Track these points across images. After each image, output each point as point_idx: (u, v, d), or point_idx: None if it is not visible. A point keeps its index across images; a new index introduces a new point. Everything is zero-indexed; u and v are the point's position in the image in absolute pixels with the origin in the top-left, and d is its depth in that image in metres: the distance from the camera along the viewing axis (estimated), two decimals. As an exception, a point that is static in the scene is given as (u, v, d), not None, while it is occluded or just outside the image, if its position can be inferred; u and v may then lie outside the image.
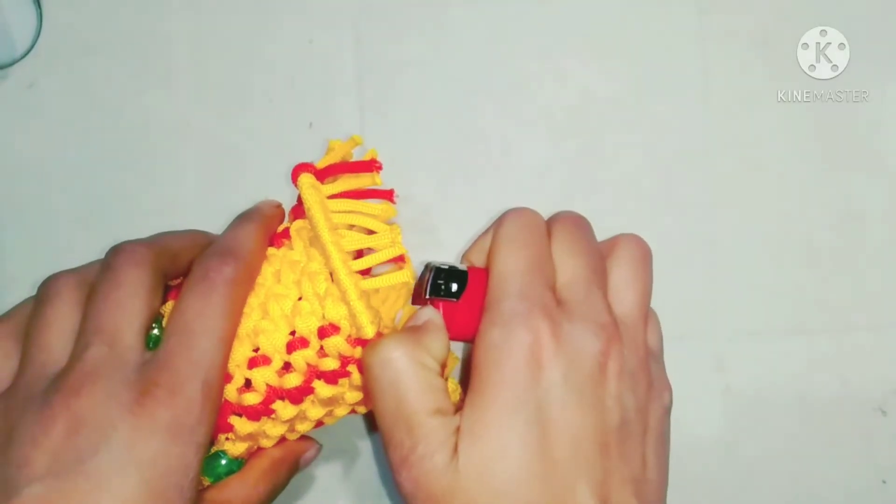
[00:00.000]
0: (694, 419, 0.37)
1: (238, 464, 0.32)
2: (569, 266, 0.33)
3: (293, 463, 0.33)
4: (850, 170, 0.37)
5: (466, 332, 0.33)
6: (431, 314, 0.32)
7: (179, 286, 0.31)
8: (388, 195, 0.35)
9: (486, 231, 0.35)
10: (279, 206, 0.35)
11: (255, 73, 0.38)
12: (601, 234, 0.35)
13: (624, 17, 0.37)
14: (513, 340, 0.30)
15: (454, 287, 0.33)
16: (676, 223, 0.37)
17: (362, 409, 0.33)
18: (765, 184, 0.37)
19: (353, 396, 0.32)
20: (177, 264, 0.32)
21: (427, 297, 0.33)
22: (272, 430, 0.31)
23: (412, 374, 0.30)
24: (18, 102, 0.38)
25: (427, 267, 0.34)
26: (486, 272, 0.33)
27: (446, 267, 0.33)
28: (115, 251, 0.31)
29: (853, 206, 0.37)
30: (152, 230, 0.32)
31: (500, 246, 0.33)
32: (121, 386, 0.28)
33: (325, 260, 0.32)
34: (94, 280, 0.30)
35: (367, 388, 0.31)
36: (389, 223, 0.34)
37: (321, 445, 0.35)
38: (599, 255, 0.33)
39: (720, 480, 0.37)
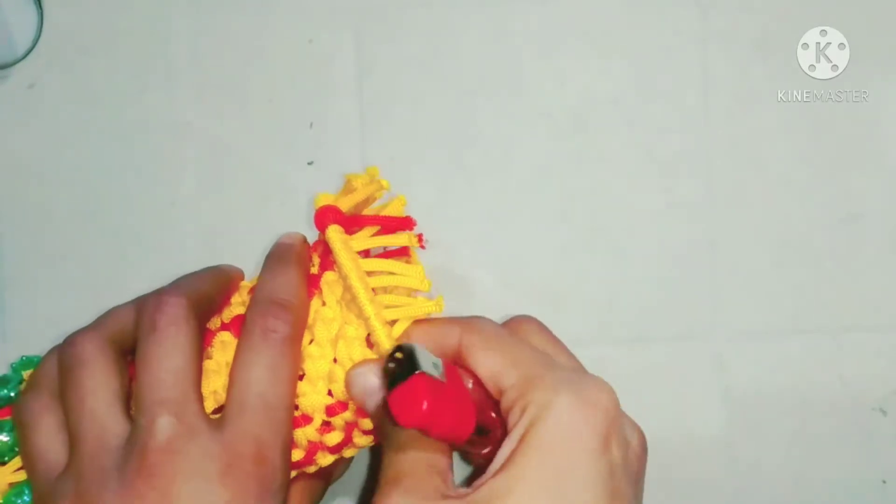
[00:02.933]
0: (694, 419, 0.37)
1: None
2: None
3: (326, 479, 0.34)
4: (850, 170, 0.37)
5: (452, 427, 0.27)
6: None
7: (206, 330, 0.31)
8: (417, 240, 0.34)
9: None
10: (305, 240, 0.34)
11: (255, 73, 0.38)
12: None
13: (624, 17, 0.37)
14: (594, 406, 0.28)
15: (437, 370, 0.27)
16: (676, 223, 0.37)
17: None
18: (765, 184, 0.37)
19: None
20: (211, 311, 0.31)
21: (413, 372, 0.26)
22: (309, 469, 0.32)
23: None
24: (18, 102, 0.38)
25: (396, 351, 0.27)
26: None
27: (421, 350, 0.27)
28: (157, 308, 0.29)
29: (853, 206, 0.37)
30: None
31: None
32: (203, 459, 0.27)
33: (363, 323, 0.31)
34: (140, 339, 0.29)
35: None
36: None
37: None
38: None
39: (720, 480, 0.37)
